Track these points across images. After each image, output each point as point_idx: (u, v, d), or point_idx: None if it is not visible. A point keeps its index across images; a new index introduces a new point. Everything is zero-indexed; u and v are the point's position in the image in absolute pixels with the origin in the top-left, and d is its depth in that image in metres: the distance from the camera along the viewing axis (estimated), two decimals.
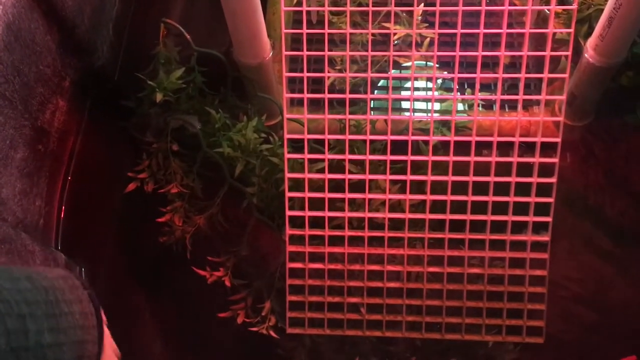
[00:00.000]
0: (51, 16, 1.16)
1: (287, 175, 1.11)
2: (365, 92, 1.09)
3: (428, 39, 1.28)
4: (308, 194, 1.10)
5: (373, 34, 1.13)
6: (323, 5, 1.08)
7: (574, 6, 1.05)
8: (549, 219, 1.09)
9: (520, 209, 1.10)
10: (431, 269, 1.13)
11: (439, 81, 1.30)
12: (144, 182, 1.24)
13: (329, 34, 1.05)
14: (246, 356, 1.23)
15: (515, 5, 1.42)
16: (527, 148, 1.13)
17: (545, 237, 1.10)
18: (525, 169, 1.08)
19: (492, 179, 1.08)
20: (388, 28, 1.13)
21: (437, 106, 1.24)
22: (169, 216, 1.22)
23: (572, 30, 1.04)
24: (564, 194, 1.30)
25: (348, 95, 1.06)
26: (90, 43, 1.28)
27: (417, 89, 1.25)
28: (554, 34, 1.39)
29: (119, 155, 1.32)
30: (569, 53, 1.05)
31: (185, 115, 1.26)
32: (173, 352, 1.23)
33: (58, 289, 0.48)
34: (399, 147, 1.07)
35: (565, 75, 1.06)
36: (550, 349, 1.18)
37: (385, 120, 1.08)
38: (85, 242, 1.21)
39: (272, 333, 1.16)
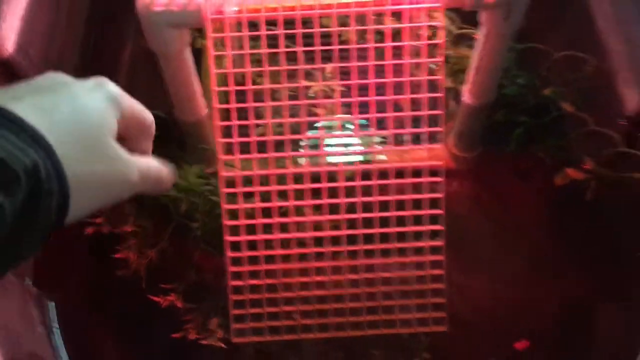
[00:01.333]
0: None
1: (225, 206, 1.32)
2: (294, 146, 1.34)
3: (338, 90, 1.55)
4: (244, 222, 1.32)
5: (292, 89, 1.39)
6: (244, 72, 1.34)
7: (441, 58, 1.34)
8: (441, 227, 1.34)
9: (418, 221, 1.35)
10: (351, 277, 1.35)
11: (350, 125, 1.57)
12: (100, 225, 1.44)
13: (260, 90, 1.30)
14: None
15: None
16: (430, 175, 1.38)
17: (439, 242, 1.35)
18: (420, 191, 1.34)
19: (393, 198, 1.33)
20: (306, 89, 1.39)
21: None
22: (124, 252, 1.41)
23: (442, 77, 1.32)
24: (459, 211, 1.58)
25: (272, 137, 1.31)
26: None
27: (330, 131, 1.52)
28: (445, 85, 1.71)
29: None
30: (442, 95, 1.32)
31: None
32: None
33: None
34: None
35: (441, 112, 1.33)
36: (454, 338, 1.40)
37: (310, 158, 1.33)
38: (51, 280, 1.38)
39: (220, 344, 1.35)
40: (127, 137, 0.50)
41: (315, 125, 1.64)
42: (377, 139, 1.46)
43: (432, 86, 1.40)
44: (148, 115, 0.54)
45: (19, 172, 0.38)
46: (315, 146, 1.62)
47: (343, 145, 1.41)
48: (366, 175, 1.32)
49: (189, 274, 1.41)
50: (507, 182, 1.63)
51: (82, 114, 0.44)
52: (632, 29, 1.55)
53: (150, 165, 0.52)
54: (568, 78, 1.67)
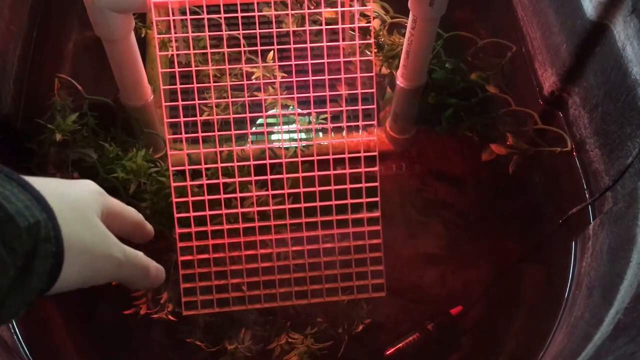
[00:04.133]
0: None
1: (173, 184, 1.38)
2: (238, 128, 1.41)
3: (279, 81, 1.64)
4: (191, 198, 1.38)
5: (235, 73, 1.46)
6: (189, 55, 1.40)
7: (372, 56, 1.44)
8: (377, 199, 1.44)
9: (356, 194, 1.44)
10: (295, 248, 1.43)
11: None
12: None
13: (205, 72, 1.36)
14: (152, 343, 1.45)
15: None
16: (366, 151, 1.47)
17: (376, 213, 1.44)
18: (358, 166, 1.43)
19: (331, 172, 1.42)
20: (248, 73, 1.47)
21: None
22: None
23: (372, 57, 1.42)
24: (395, 189, 1.69)
25: (217, 133, 1.38)
26: None
27: (273, 122, 1.59)
28: (381, 71, 1.81)
29: None
30: (374, 74, 1.43)
31: (83, 149, 1.51)
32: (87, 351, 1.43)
33: None
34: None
35: (372, 90, 1.43)
36: (393, 305, 1.51)
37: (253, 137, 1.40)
38: None
39: (170, 317, 1.40)
40: (115, 232, 0.54)
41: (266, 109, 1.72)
42: (317, 119, 1.55)
43: (367, 69, 1.50)
44: (131, 212, 0.59)
45: (22, 230, 0.38)
46: (260, 126, 1.70)
47: (285, 124, 1.49)
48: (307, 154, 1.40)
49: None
50: (439, 160, 1.74)
51: (73, 192, 0.48)
52: (547, 18, 1.69)
53: (137, 254, 0.56)
54: (492, 63, 1.80)
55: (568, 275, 1.46)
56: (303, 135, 1.48)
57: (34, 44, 1.79)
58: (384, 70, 1.82)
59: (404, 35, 1.59)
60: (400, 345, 1.48)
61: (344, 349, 1.44)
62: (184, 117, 1.35)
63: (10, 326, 1.33)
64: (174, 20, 1.31)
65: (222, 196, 1.39)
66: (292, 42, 1.35)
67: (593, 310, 1.15)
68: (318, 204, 1.41)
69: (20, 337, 1.35)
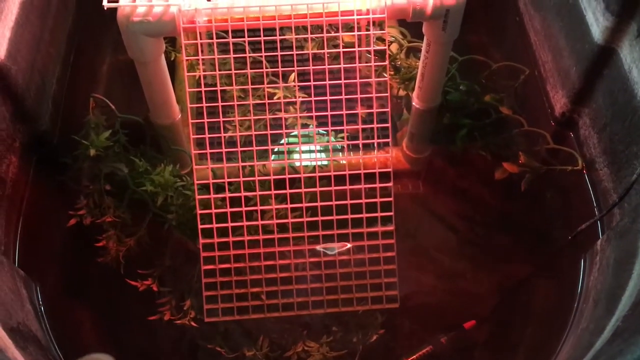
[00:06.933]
0: (5, 92, 1.51)
1: (198, 197, 1.46)
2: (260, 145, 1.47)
3: (299, 101, 1.71)
4: (214, 210, 1.46)
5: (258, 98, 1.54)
6: (215, 76, 1.49)
7: (387, 77, 1.51)
8: (391, 213, 1.50)
9: (371, 209, 1.50)
10: (312, 260, 1.49)
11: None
12: (82, 217, 1.56)
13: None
14: (174, 347, 1.52)
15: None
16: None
17: (390, 227, 1.50)
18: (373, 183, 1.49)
19: (348, 187, 1.48)
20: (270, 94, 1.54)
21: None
22: (104, 241, 1.54)
23: (387, 78, 1.49)
24: (411, 206, 1.75)
25: (239, 149, 1.45)
26: (35, 113, 1.63)
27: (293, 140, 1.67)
28: (398, 93, 1.88)
29: (59, 199, 1.64)
30: (388, 94, 1.49)
31: (114, 163, 1.61)
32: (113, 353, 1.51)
33: None
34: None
35: (387, 110, 1.49)
36: (407, 317, 1.55)
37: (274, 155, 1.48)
38: (37, 265, 1.50)
39: (192, 323, 1.48)
40: None
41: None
42: (334, 139, 1.63)
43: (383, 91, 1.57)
44: None
45: None
46: (280, 144, 1.77)
47: (304, 142, 1.56)
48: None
49: (164, 260, 1.54)
50: (454, 178, 1.80)
51: None
52: (557, 42, 1.76)
53: None
54: (505, 85, 1.87)
55: (577, 289, 1.50)
56: (322, 154, 1.56)
57: (72, 66, 1.91)
58: (401, 92, 1.90)
59: (419, 59, 1.66)
60: (414, 357, 1.51)
61: (358, 358, 1.49)
62: (209, 134, 1.44)
63: (43, 326, 1.41)
64: (201, 43, 1.41)
65: (244, 209, 1.47)
66: (311, 64, 1.44)
67: (597, 321, 1.19)
68: (335, 217, 1.48)
69: (52, 337, 1.43)
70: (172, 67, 1.87)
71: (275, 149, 1.68)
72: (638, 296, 1.02)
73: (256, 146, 1.45)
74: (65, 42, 1.89)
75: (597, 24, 1.52)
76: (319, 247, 1.49)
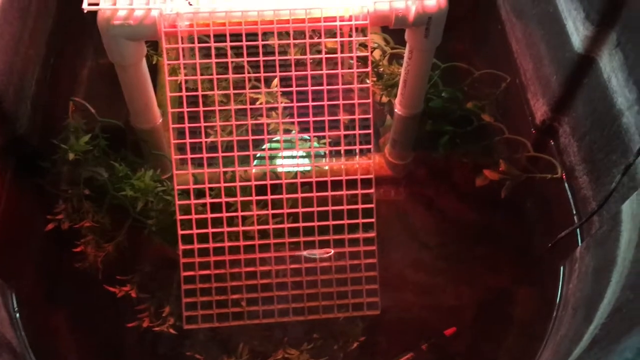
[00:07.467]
0: None
1: (178, 202, 1.45)
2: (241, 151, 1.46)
3: (281, 107, 1.70)
4: (195, 216, 1.45)
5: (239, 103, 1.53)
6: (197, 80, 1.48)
7: (369, 84, 1.51)
8: (372, 220, 1.49)
9: (353, 216, 1.50)
10: (293, 266, 1.49)
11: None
12: (60, 222, 1.54)
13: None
14: (153, 355, 1.50)
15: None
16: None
17: (372, 234, 1.50)
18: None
19: (329, 194, 1.48)
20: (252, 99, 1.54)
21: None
22: (83, 247, 1.52)
23: (370, 84, 1.49)
24: (392, 211, 1.75)
25: (221, 154, 1.45)
26: (13, 115, 1.60)
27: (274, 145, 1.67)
28: (380, 100, 1.89)
29: (37, 203, 1.62)
30: (370, 101, 1.49)
31: (94, 168, 1.59)
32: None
33: None
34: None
35: (369, 116, 1.50)
36: (387, 324, 1.55)
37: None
38: (13, 271, 1.48)
39: (171, 330, 1.46)
40: None
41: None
42: (316, 144, 1.62)
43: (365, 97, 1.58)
44: None
45: None
46: (262, 149, 1.76)
47: (286, 148, 1.55)
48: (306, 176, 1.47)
49: (144, 266, 1.52)
50: (435, 185, 1.80)
51: None
52: (538, 51, 1.77)
53: None
54: (487, 93, 1.88)
55: (556, 297, 1.51)
56: (304, 160, 1.55)
57: (51, 68, 1.88)
58: (384, 99, 1.90)
59: (402, 65, 1.67)
60: None
61: None
62: (190, 139, 1.43)
63: (19, 333, 1.39)
64: (183, 48, 1.40)
65: (225, 214, 1.46)
66: (293, 70, 1.43)
67: (576, 329, 1.19)
68: (316, 223, 1.47)
69: (27, 344, 1.41)
70: (154, 71, 1.85)
71: (257, 155, 1.67)
72: (616, 304, 1.02)
73: (238, 151, 1.45)
74: (45, 44, 1.87)
75: (577, 33, 1.53)
76: (300, 253, 1.49)
